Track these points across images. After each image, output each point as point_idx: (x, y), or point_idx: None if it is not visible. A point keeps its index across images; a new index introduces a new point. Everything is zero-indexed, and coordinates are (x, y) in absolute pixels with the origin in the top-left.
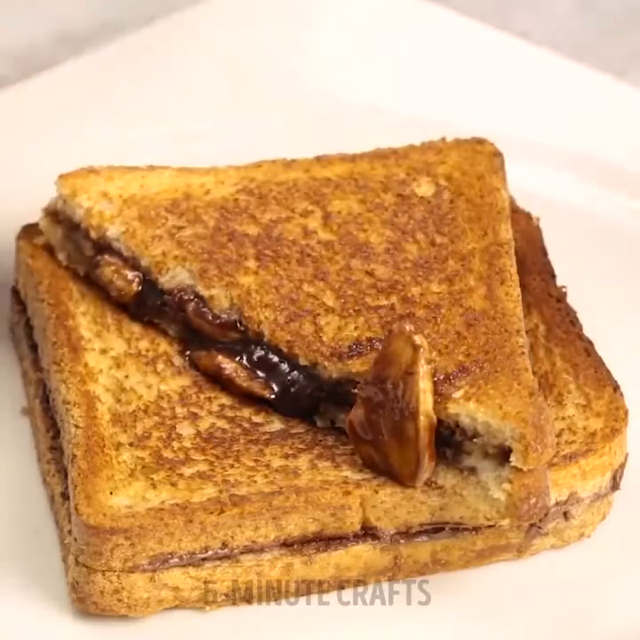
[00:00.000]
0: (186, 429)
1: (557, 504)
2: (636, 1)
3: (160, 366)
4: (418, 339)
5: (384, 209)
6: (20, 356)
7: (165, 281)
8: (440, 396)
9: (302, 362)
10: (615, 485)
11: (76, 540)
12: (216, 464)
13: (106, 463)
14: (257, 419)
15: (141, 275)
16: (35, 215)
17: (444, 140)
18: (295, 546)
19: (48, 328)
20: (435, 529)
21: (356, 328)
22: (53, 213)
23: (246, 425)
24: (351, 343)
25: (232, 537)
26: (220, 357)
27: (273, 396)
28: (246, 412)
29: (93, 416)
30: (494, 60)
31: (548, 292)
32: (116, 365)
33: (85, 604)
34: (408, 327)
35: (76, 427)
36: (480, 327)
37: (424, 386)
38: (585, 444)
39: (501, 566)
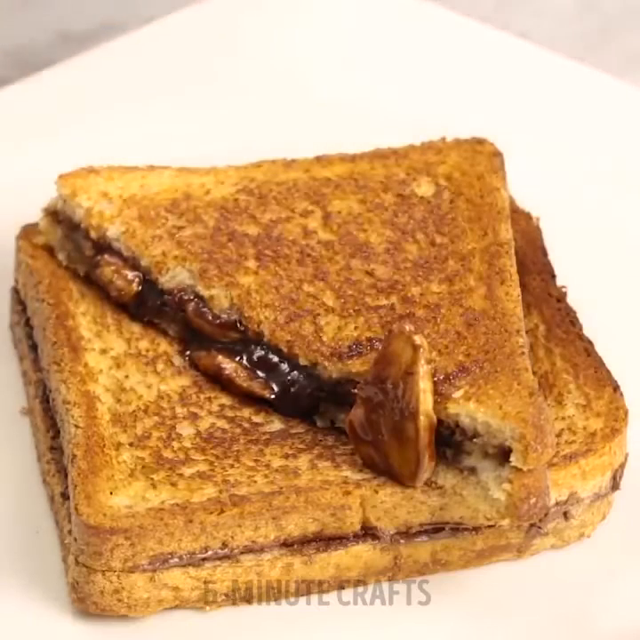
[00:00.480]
0: (186, 429)
1: (557, 504)
2: (636, 1)
3: (160, 366)
4: (418, 339)
5: (384, 209)
6: (20, 355)
7: (165, 281)
8: (440, 396)
9: (302, 362)
10: (615, 485)
11: (75, 539)
12: (216, 464)
13: (106, 463)
14: (257, 419)
15: (141, 275)
16: (35, 215)
17: (444, 140)
18: (295, 546)
19: (48, 328)
20: (435, 529)
21: (355, 328)
22: (53, 213)
23: (246, 425)
24: (351, 343)
25: (232, 537)
26: (220, 357)
27: (273, 396)
28: (246, 412)
29: (93, 416)
30: (494, 61)
31: (548, 291)
32: (116, 365)
33: (85, 604)
34: (408, 327)
35: (76, 427)
36: (480, 327)
37: (424, 386)
38: (585, 444)
39: (501, 566)
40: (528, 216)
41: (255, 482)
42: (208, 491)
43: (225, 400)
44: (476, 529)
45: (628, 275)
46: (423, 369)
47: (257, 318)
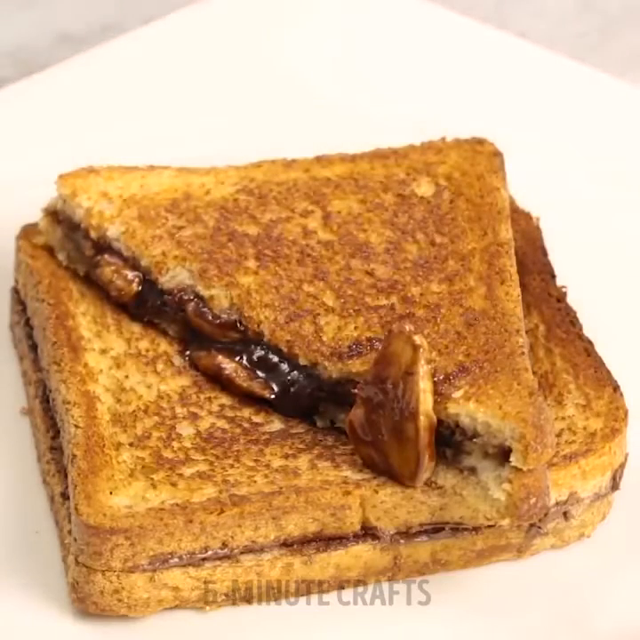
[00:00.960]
0: (186, 429)
1: (557, 504)
2: (636, 1)
3: (160, 366)
4: (418, 339)
5: (384, 209)
6: (20, 355)
7: (165, 281)
8: (440, 396)
9: (302, 362)
10: (615, 485)
11: (75, 540)
12: (216, 464)
13: (106, 463)
14: (257, 419)
15: (141, 275)
16: (35, 215)
17: (443, 140)
18: (295, 546)
19: (48, 328)
20: (435, 529)
21: (355, 328)
22: (53, 213)
23: (246, 425)
24: (351, 343)
25: (232, 537)
26: (220, 357)
27: (273, 396)
28: (246, 412)
29: (93, 416)
30: (494, 60)
31: (547, 291)
32: (115, 365)
33: (85, 604)
34: (408, 327)
35: (76, 427)
36: (480, 327)
37: (424, 386)
38: (585, 444)
39: (501, 566)
40: (528, 216)
41: (255, 482)
42: (208, 491)
43: (225, 400)
44: (476, 529)
45: (628, 275)
46: (423, 369)
47: (257, 318)
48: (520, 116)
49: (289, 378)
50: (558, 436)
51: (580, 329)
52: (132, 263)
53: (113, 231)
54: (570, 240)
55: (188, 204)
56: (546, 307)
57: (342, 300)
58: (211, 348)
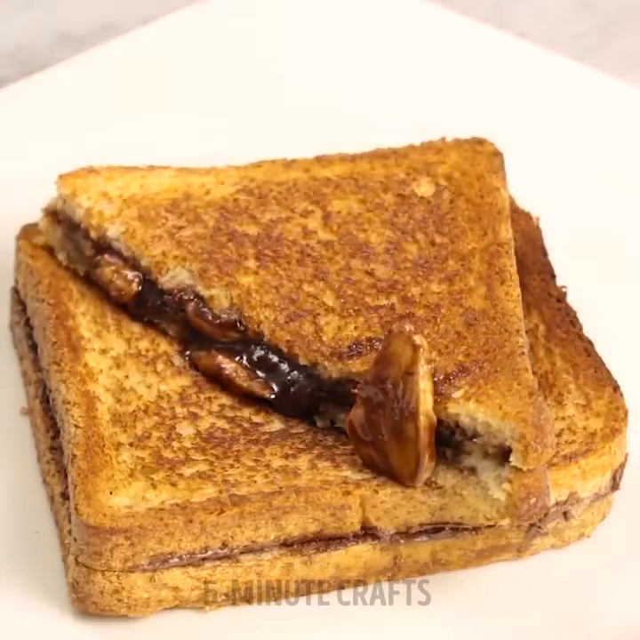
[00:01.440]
0: (186, 429)
1: (557, 504)
2: (636, 1)
3: (160, 366)
4: (418, 339)
5: (384, 209)
6: (20, 355)
7: (165, 281)
8: (440, 396)
9: (302, 362)
10: (615, 485)
11: (75, 540)
12: (216, 464)
13: (106, 463)
14: (257, 419)
15: (141, 275)
16: (35, 215)
17: (443, 140)
18: (295, 546)
19: (48, 328)
20: (435, 529)
21: (355, 328)
22: (53, 213)
23: (246, 425)
24: (351, 343)
25: (232, 537)
26: (220, 357)
27: (273, 396)
28: (246, 412)
29: (93, 416)
30: (494, 60)
31: (548, 291)
32: (115, 365)
33: (85, 604)
34: (408, 327)
35: (76, 427)
36: (480, 327)
37: (424, 386)
38: (585, 444)
39: (501, 566)
40: (528, 216)
41: (255, 482)
42: (208, 491)
43: (225, 400)
44: (476, 529)
45: (628, 275)
46: (423, 369)
47: (257, 318)
48: (520, 116)
49: (289, 378)
50: (558, 436)
51: (580, 329)
52: (132, 263)
53: (113, 231)
54: (570, 240)
55: (188, 204)
56: (546, 307)
57: (342, 300)
58: (211, 348)
